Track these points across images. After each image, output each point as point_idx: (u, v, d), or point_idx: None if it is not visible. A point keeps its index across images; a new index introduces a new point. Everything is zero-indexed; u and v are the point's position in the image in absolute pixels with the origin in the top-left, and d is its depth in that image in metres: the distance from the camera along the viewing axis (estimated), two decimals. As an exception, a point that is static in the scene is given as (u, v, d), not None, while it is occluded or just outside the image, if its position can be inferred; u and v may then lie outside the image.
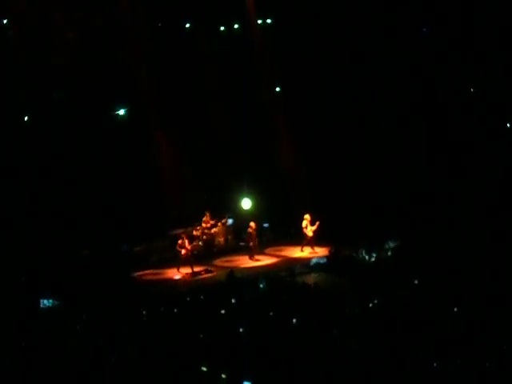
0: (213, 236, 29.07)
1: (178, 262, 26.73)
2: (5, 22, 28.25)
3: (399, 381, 14.23)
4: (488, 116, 27.54)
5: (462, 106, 27.99)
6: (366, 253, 24.83)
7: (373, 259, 24.63)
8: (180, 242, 26.65)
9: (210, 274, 26.34)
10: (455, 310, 17.19)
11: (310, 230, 27.56)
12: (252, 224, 27.73)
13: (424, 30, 28.82)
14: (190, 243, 26.84)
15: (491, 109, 27.53)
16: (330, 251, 26.31)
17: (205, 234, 28.75)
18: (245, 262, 27.28)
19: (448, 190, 26.96)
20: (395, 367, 14.52)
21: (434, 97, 28.05)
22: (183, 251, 26.47)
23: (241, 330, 16.91)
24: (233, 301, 19.44)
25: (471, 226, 24.59)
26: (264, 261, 27.48)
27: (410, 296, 18.88)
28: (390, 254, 24.79)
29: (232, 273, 23.83)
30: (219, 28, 31.01)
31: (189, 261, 26.52)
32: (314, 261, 26.18)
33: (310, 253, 27.69)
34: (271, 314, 18.04)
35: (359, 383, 14.20)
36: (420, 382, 14.09)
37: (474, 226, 24.47)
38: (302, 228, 27.65)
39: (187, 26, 30.82)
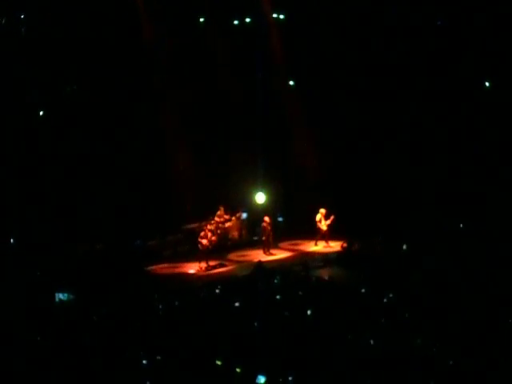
0: (227, 230, 29.10)
1: (191, 256, 26.76)
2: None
3: (413, 375, 14.19)
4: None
5: (479, 101, 27.82)
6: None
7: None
8: (202, 233, 26.67)
9: (224, 268, 26.38)
10: (469, 305, 17.17)
11: (324, 224, 27.56)
12: (266, 218, 27.75)
13: (439, 22, 28.66)
14: (212, 235, 26.84)
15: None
16: (342, 246, 26.30)
17: (219, 228, 28.74)
18: (259, 256, 27.24)
19: (464, 185, 26.96)
20: (409, 362, 14.49)
21: (450, 90, 27.88)
22: (204, 241, 26.43)
23: (255, 324, 16.91)
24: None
25: (487, 222, 24.61)
26: (278, 255, 27.51)
27: (424, 290, 18.87)
28: (405, 248, 24.73)
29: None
30: (232, 22, 30.98)
31: (206, 254, 26.51)
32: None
33: (324, 247, 27.72)
34: (286, 308, 18.03)
35: (373, 377, 14.17)
36: (433, 378, 14.04)
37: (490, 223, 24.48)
38: (316, 222, 27.64)
39: (201, 20, 30.87)
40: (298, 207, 29.48)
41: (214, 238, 26.84)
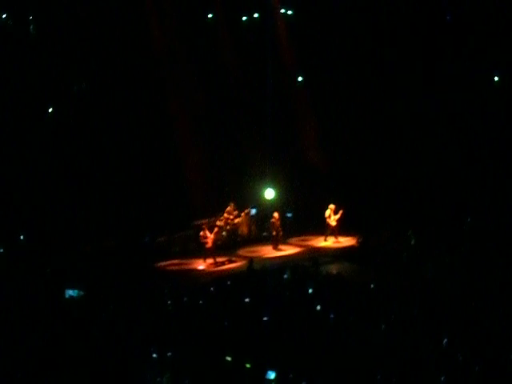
0: (236, 226, 29.08)
1: (201, 252, 26.78)
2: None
3: (421, 370, 14.19)
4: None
5: (487, 97, 27.79)
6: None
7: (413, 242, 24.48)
8: (202, 233, 26.67)
9: (233, 264, 26.37)
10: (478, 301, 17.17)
11: (333, 220, 27.51)
12: (275, 214, 27.73)
13: (448, 17, 28.61)
14: (211, 233, 26.81)
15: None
16: (357, 240, 26.22)
17: (228, 224, 28.75)
18: (268, 251, 27.30)
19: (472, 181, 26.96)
20: (417, 356, 14.49)
21: (458, 85, 27.84)
22: (208, 241, 26.48)
23: (265, 319, 16.92)
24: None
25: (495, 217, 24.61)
26: (287, 251, 27.49)
27: (433, 286, 18.87)
28: (413, 242, 24.71)
29: (251, 263, 23.71)
30: (241, 18, 31.00)
31: (213, 251, 26.54)
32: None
33: (334, 242, 27.68)
34: (295, 303, 18.05)
35: (383, 372, 14.17)
36: (441, 372, 14.04)
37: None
38: (325, 218, 27.61)
39: (209, 16, 30.91)
40: (307, 203, 29.45)
41: (212, 236, 26.69)
